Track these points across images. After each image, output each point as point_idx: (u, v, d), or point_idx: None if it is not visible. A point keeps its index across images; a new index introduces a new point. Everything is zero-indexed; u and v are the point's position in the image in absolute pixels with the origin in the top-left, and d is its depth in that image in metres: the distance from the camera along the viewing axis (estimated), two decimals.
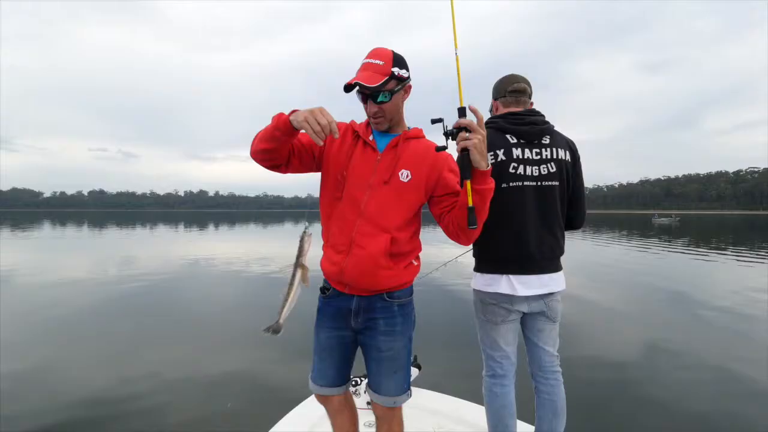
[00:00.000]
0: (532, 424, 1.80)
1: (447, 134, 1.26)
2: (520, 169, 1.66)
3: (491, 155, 1.67)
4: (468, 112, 1.26)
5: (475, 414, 2.16)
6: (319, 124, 1.16)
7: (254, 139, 1.37)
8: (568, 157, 1.72)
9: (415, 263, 1.50)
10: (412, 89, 1.46)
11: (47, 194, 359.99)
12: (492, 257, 1.71)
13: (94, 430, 2.81)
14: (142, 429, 2.83)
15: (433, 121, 1.30)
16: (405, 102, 1.47)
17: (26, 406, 3.11)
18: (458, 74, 1.30)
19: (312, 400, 2.32)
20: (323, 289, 1.53)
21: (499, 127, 1.71)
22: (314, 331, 1.54)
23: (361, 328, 1.46)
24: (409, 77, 1.42)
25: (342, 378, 1.54)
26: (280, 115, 1.25)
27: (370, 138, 1.45)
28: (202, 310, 6.33)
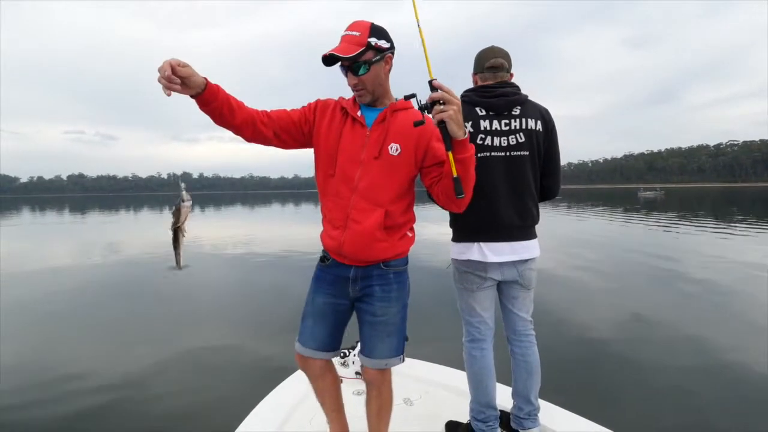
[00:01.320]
0: (510, 386, 1.90)
1: (422, 108, 1.25)
2: (488, 140, 1.71)
3: None
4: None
5: (459, 379, 2.24)
6: (161, 79, 1.17)
7: None
8: (539, 127, 1.75)
9: (410, 234, 1.54)
10: (393, 60, 1.45)
11: (24, 179, 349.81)
12: (464, 226, 1.78)
13: (87, 415, 2.81)
14: (134, 408, 2.89)
15: (407, 97, 1.32)
16: (390, 74, 1.47)
17: (19, 394, 3.08)
18: (423, 47, 1.28)
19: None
20: (323, 258, 1.57)
21: (470, 101, 1.76)
22: (308, 298, 1.58)
23: (359, 295, 1.51)
24: (390, 48, 1.41)
25: (333, 344, 1.57)
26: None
27: (359, 114, 1.47)
28: (191, 292, 6.31)
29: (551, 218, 18.55)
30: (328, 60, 1.35)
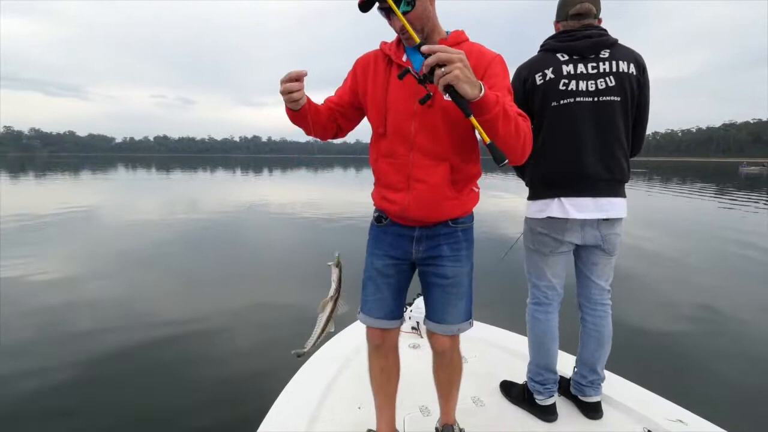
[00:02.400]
0: (574, 355, 1.81)
1: (422, 81, 1.08)
2: (572, 85, 1.56)
3: (540, 76, 1.59)
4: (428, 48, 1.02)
5: (518, 342, 2.19)
6: (285, 93, 1.17)
7: None
8: (632, 70, 1.56)
9: (476, 189, 1.41)
10: None
11: (119, 140, 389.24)
12: (543, 180, 1.65)
13: (165, 348, 3.19)
14: (199, 348, 3.21)
15: (401, 76, 1.14)
16: (435, 3, 1.31)
17: (109, 324, 3.58)
18: (394, 8, 1.11)
19: (348, 332, 2.39)
20: (378, 219, 1.45)
21: (549, 48, 1.63)
22: (367, 262, 1.47)
23: (424, 257, 1.39)
24: None
25: (400, 310, 1.48)
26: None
27: (404, 59, 1.31)
28: (259, 248, 6.79)
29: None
30: (365, 5, 1.21)
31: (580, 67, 1.57)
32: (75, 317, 3.75)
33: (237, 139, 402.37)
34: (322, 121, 1.37)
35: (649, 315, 3.90)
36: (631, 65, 1.57)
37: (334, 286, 1.26)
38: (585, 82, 1.56)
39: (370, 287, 1.45)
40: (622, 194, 1.64)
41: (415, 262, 1.43)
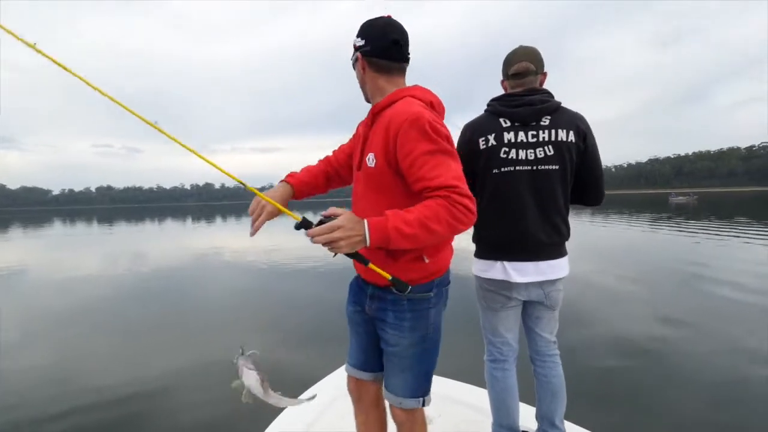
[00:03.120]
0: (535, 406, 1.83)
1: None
2: (512, 153, 1.60)
3: (483, 140, 1.64)
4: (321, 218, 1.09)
5: (481, 398, 2.18)
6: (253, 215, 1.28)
7: None
8: (572, 138, 1.59)
9: (427, 260, 1.25)
10: (375, 61, 1.26)
11: (56, 192, 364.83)
12: (487, 243, 1.71)
13: (108, 420, 2.84)
14: (156, 413, 2.91)
15: (297, 227, 1.15)
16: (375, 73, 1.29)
17: (43, 396, 3.14)
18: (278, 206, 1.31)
19: (325, 382, 2.42)
20: None
21: (493, 111, 1.66)
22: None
23: (374, 315, 1.36)
24: (362, 46, 1.26)
25: (373, 363, 1.42)
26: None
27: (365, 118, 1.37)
28: (212, 300, 6.37)
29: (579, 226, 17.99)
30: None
31: (521, 135, 1.60)
32: None
33: (188, 186, 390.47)
34: (323, 187, 1.49)
35: (600, 353, 3.93)
36: (571, 133, 1.59)
37: (253, 374, 1.19)
38: (525, 150, 1.59)
39: (350, 334, 1.48)
40: (563, 254, 1.68)
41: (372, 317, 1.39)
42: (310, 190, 1.45)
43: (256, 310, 5.80)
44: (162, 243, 17.10)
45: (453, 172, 1.09)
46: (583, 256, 9.40)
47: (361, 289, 1.41)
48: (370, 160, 1.23)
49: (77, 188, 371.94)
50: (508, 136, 1.60)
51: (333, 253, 1.06)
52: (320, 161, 1.52)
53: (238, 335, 4.64)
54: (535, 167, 1.59)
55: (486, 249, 1.71)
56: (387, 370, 1.36)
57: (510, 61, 1.67)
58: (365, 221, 1.04)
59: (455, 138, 1.41)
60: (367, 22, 1.28)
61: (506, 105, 1.63)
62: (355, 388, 1.48)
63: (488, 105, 1.70)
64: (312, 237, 1.03)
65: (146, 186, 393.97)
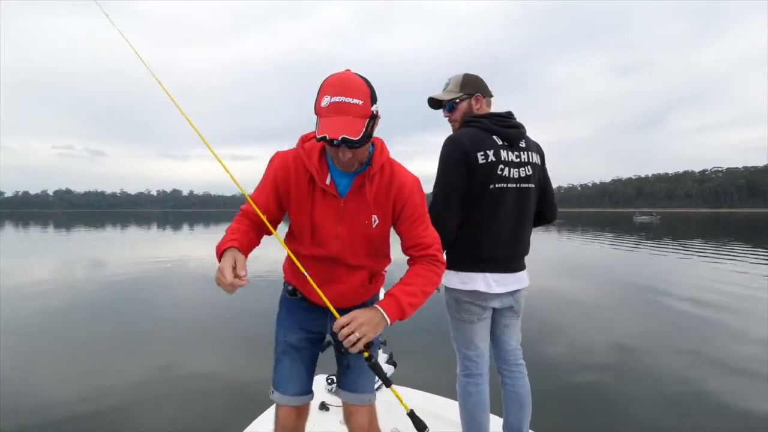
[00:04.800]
0: (502, 416, 1.87)
1: (339, 352, 1.29)
2: (506, 171, 1.68)
3: (482, 155, 1.65)
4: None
5: (451, 409, 2.14)
6: (224, 285, 1.11)
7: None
8: (538, 161, 1.78)
9: (384, 272, 1.51)
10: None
11: (8, 194, 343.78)
12: (469, 256, 1.72)
13: None
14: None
15: (323, 349, 1.40)
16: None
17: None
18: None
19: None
20: (293, 292, 1.44)
21: (485, 128, 1.70)
22: (278, 337, 1.43)
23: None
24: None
25: (311, 383, 1.45)
26: (218, 250, 1.21)
27: (327, 182, 1.25)
28: (174, 313, 5.99)
29: (553, 244, 18.36)
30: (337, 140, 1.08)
31: (511, 155, 1.69)
32: None
33: (154, 193, 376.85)
34: (256, 242, 1.33)
35: (565, 366, 3.95)
36: (537, 156, 1.77)
37: None
38: (515, 169, 1.69)
39: (285, 361, 1.41)
40: (525, 266, 1.83)
41: (327, 332, 1.41)
42: (250, 247, 1.29)
43: (220, 322, 5.49)
44: (123, 250, 16.16)
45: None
46: (563, 272, 9.46)
47: (314, 311, 1.40)
48: (374, 221, 1.29)
49: (33, 191, 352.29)
50: (504, 154, 1.67)
51: (355, 350, 1.12)
52: (238, 222, 1.33)
53: (200, 349, 4.37)
54: (519, 185, 1.70)
55: (467, 262, 1.72)
56: (351, 375, 1.40)
57: (483, 81, 1.79)
58: (379, 308, 1.18)
59: (438, 147, 1.68)
60: (371, 85, 1.15)
61: (497, 124, 1.70)
62: (294, 416, 1.40)
63: (476, 121, 1.71)
64: (341, 334, 1.11)
65: (109, 191, 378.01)
